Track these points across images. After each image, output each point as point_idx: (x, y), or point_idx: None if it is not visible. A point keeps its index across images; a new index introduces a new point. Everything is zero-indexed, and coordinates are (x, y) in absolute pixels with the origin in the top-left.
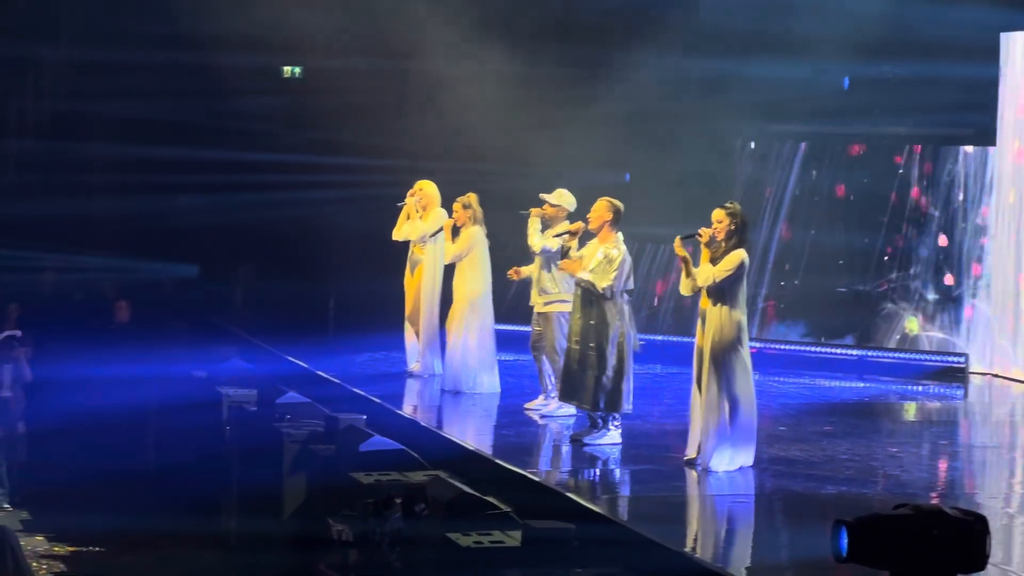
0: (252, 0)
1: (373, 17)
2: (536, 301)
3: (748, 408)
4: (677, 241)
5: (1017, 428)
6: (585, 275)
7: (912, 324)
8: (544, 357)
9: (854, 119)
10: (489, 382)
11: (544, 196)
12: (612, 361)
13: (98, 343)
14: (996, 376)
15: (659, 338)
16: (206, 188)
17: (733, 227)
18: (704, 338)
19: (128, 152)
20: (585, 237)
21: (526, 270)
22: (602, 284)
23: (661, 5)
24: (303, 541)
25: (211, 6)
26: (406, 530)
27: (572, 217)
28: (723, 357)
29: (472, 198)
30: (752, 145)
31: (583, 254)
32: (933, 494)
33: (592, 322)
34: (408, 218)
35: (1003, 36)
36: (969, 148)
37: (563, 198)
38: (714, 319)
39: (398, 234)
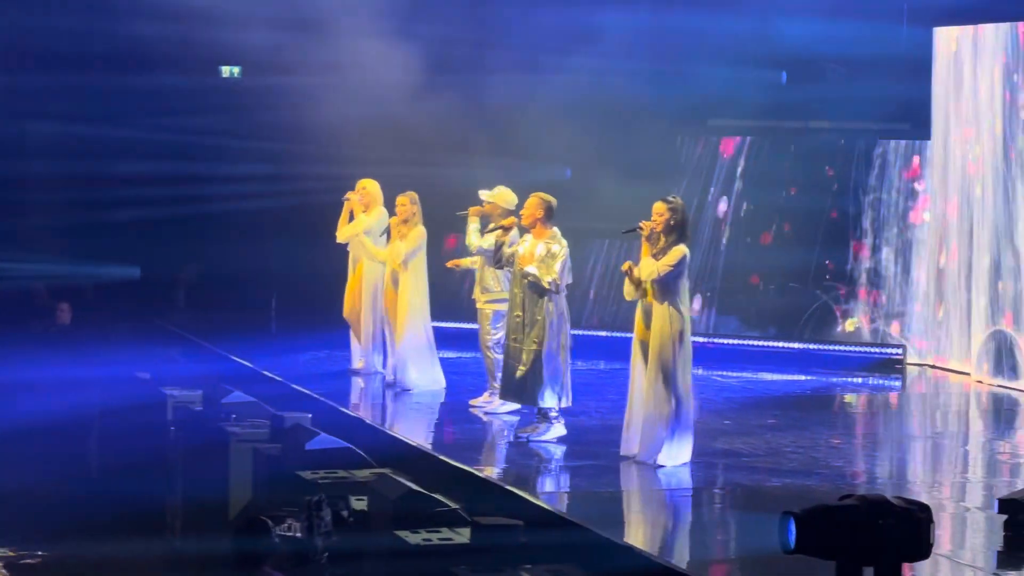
0: (187, 13)
1: (306, 23)
2: (478, 298)
3: (689, 402)
4: (626, 265)
5: (955, 417)
6: (532, 268)
7: (851, 323)
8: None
9: (793, 114)
10: (432, 378)
11: (483, 194)
12: (554, 356)
13: (40, 346)
14: (933, 367)
15: (602, 334)
16: (148, 190)
17: (673, 221)
18: (650, 333)
19: (69, 155)
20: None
21: (465, 261)
22: (547, 278)
23: (600, 3)
24: (249, 542)
25: (144, 15)
26: (336, 537)
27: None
28: (668, 352)
29: (414, 196)
30: (691, 141)
31: (516, 250)
32: (876, 484)
33: (539, 318)
34: (351, 217)
35: (936, 31)
36: (905, 142)
37: (502, 196)
38: (658, 315)
39: (341, 235)
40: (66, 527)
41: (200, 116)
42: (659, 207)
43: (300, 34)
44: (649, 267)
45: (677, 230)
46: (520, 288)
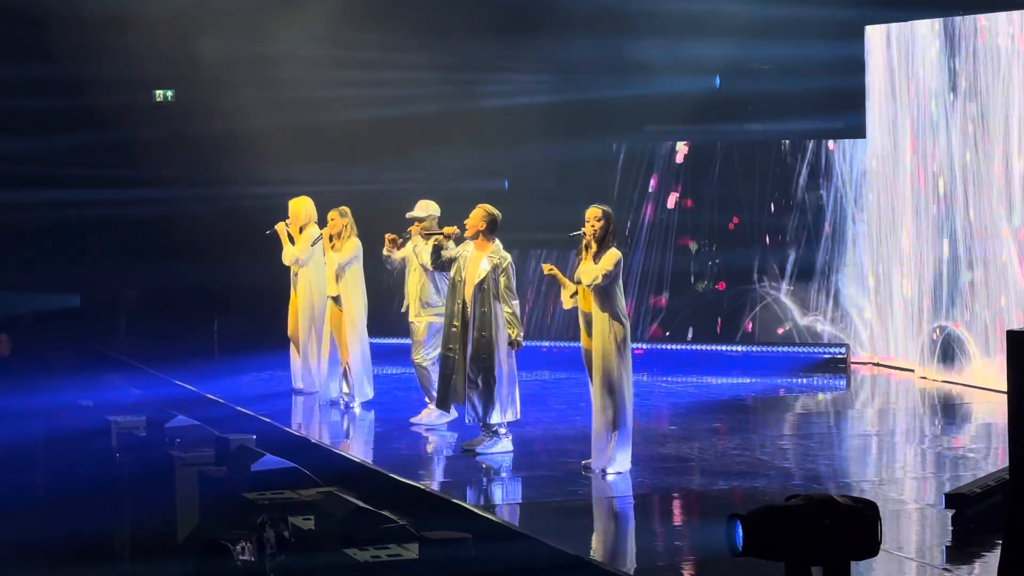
0: (122, 27)
1: (244, 38)
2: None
3: (631, 409)
4: (546, 267)
5: (899, 414)
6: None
7: (793, 323)
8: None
9: (727, 118)
10: (368, 393)
11: (412, 214)
12: (503, 368)
13: None
14: (877, 364)
15: (546, 344)
16: (82, 216)
17: (608, 226)
18: (592, 341)
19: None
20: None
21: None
22: (513, 334)
23: (533, 10)
24: (209, 566)
25: (78, 33)
26: (284, 557)
27: (440, 222)
28: (610, 359)
29: (346, 210)
30: (629, 146)
31: (454, 256)
32: (823, 484)
33: (484, 334)
34: (292, 239)
35: (868, 29)
36: (840, 142)
37: (429, 207)
38: (600, 322)
39: (287, 256)
40: (11, 559)
41: (133, 139)
42: (595, 212)
43: (231, 48)
44: (591, 272)
45: (610, 235)
46: (459, 298)
